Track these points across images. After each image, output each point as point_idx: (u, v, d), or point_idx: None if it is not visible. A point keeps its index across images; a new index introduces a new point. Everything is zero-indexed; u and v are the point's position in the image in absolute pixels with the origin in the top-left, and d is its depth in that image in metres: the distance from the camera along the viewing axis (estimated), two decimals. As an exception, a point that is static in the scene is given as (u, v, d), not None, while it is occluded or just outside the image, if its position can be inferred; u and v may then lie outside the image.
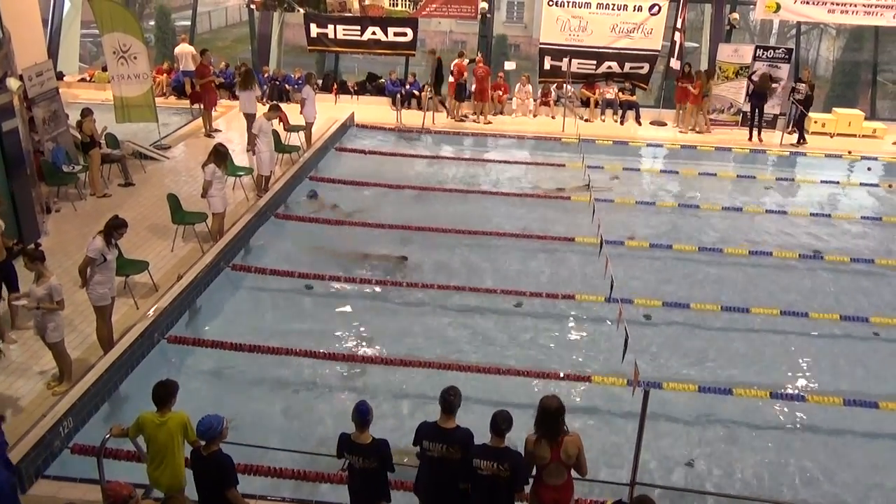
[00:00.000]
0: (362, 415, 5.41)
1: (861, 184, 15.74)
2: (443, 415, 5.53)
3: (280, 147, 14.57)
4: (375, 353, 8.96)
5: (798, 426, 8.06)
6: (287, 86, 19.29)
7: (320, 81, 19.93)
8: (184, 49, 18.84)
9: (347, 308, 10.06)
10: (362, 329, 9.59)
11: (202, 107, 16.62)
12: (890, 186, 15.62)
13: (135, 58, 14.62)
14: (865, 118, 18.88)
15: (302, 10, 19.61)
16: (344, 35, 19.56)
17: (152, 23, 26.85)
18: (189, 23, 22.41)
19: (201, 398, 7.86)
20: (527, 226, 12.69)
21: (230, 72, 19.87)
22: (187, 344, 8.70)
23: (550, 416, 5.39)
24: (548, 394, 5.58)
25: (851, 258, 11.83)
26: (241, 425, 7.39)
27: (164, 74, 19.86)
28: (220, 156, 10.75)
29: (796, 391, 8.60)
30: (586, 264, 11.18)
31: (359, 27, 19.44)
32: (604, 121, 19.23)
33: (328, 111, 17.98)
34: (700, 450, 7.58)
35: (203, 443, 5.52)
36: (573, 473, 5.55)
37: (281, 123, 15.50)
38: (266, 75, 19.74)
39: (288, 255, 11.36)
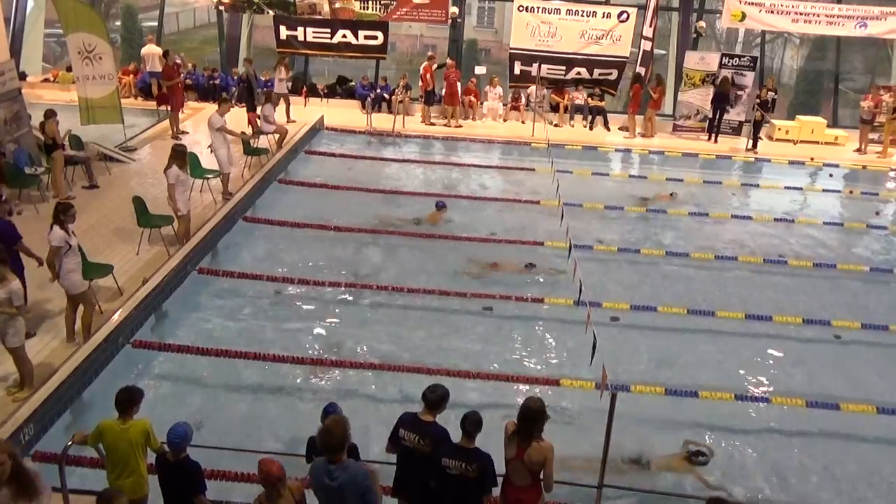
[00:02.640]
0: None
1: (823, 190, 16.08)
2: (424, 409, 5.60)
3: (249, 150, 14.46)
4: (345, 357, 8.90)
5: (762, 427, 8.18)
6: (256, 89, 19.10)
7: (290, 84, 19.80)
8: (151, 50, 18.62)
9: (317, 311, 9.99)
10: (332, 332, 9.53)
11: (169, 108, 16.43)
12: (851, 193, 15.99)
13: (100, 58, 14.39)
14: (828, 126, 19.33)
15: (271, 13, 19.51)
16: (314, 38, 19.47)
17: (118, 23, 26.48)
18: (156, 23, 22.14)
19: (167, 403, 7.78)
20: (496, 229, 12.74)
21: (198, 74, 19.68)
22: (153, 349, 8.58)
23: (529, 416, 5.43)
24: (532, 395, 5.65)
25: (814, 263, 12.08)
26: (208, 430, 7.32)
27: (131, 75, 19.60)
28: (179, 155, 10.59)
29: (760, 393, 8.74)
30: (556, 268, 11.25)
31: (329, 30, 19.37)
32: (573, 126, 19.40)
33: (298, 114, 17.89)
34: (666, 452, 7.64)
35: (168, 449, 5.44)
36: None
37: (249, 126, 15.40)
38: (235, 77, 19.57)
39: (256, 258, 11.28)
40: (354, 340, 9.35)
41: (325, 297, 10.33)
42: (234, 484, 6.60)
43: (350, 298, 10.37)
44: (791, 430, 8.10)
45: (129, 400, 5.64)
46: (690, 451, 7.50)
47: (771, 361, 9.46)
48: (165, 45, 20.10)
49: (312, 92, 20.06)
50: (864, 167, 17.48)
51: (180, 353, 8.54)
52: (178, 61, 18.27)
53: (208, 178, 12.96)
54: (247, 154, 14.45)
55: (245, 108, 16.62)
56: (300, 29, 19.41)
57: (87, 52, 14.29)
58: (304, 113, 18.21)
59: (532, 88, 18.94)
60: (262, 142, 15.42)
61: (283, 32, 19.46)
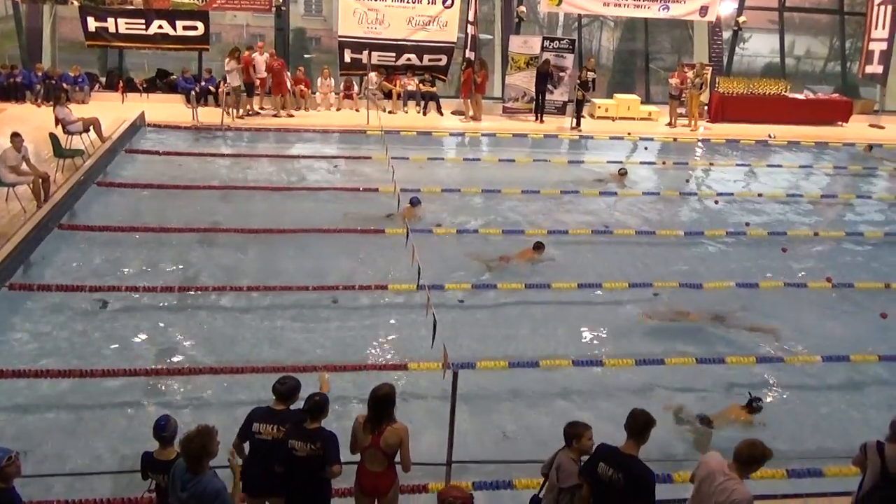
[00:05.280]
0: (161, 430, 5.16)
1: (641, 162, 17.27)
2: (276, 401, 5.59)
3: (60, 152, 13.34)
4: (181, 364, 8.48)
5: (597, 389, 8.65)
6: (65, 84, 17.68)
7: (103, 79, 18.51)
8: (-65, 46, 16.68)
9: (148, 319, 9.43)
10: (165, 339, 9.04)
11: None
12: (664, 164, 17.30)
13: None
14: (642, 103, 20.77)
15: (76, 3, 18.07)
16: (127, 29, 18.31)
17: None
18: (-60, 16, 19.87)
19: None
20: (336, 220, 12.61)
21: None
22: (-43, 377, 7.74)
23: (377, 401, 5.49)
24: (381, 383, 5.69)
25: (636, 231, 12.96)
26: (38, 457, 6.76)
27: (-87, 75, 17.48)
28: None
29: (594, 357, 9.25)
30: (397, 254, 11.29)
31: (143, 20, 18.29)
32: (406, 112, 19.55)
33: (115, 111, 16.74)
34: (513, 421, 7.94)
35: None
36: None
37: (59, 126, 14.21)
38: (40, 74, 17.98)
39: (77, 268, 10.47)
40: (191, 346, 8.92)
41: (157, 304, 9.77)
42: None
43: (184, 302, 9.87)
44: (623, 388, 8.59)
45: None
46: (749, 401, 7.83)
47: (602, 326, 10.04)
48: (-47, 40, 18.09)
49: (130, 87, 18.83)
50: (675, 139, 18.99)
51: (-8, 379, 7.76)
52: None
53: (13, 186, 11.79)
54: (58, 157, 13.32)
55: (52, 107, 15.26)
56: (110, 20, 18.18)
57: None
58: (121, 110, 17.06)
59: (372, 75, 18.87)
60: (76, 142, 14.26)
61: (92, 24, 18.16)
